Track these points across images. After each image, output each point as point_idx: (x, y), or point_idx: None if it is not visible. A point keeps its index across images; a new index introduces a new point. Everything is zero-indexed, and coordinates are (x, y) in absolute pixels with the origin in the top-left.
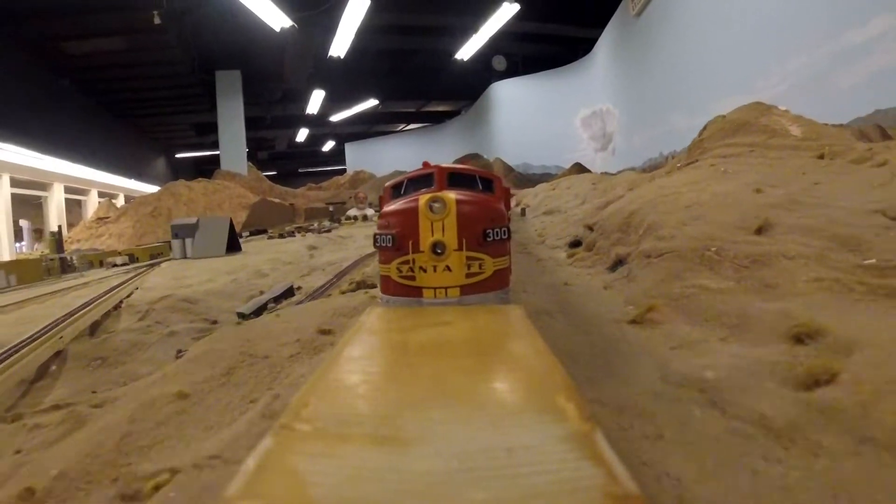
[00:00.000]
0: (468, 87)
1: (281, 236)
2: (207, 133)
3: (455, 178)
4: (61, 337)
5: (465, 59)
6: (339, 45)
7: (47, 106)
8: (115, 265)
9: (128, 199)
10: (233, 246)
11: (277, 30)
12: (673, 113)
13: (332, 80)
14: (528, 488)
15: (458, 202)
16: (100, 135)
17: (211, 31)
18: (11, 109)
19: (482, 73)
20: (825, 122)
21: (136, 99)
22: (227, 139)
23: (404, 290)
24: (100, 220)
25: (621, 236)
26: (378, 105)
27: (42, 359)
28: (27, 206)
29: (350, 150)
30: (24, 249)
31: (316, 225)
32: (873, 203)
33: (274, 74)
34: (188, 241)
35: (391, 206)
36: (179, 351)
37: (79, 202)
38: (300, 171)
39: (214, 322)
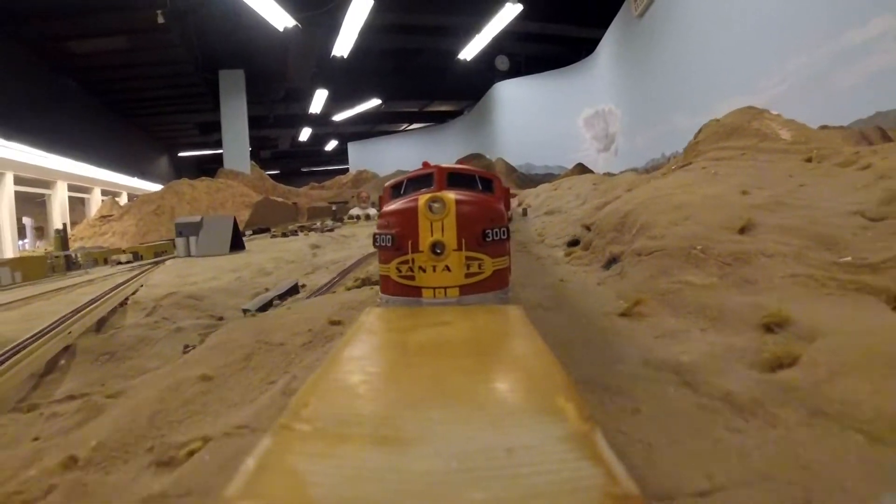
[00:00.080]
0: (471, 87)
1: (284, 235)
2: (210, 132)
3: (455, 178)
4: (70, 332)
5: (469, 59)
6: (343, 45)
7: (51, 105)
8: (119, 263)
9: (131, 197)
10: (236, 244)
11: (281, 29)
12: (675, 113)
13: (335, 79)
14: (527, 488)
15: (458, 202)
16: (103, 133)
17: (214, 31)
18: (16, 108)
19: (485, 73)
20: (826, 123)
21: (139, 98)
22: (231, 138)
23: (404, 289)
24: (103, 218)
25: (616, 235)
26: (381, 105)
27: (51, 353)
28: (31, 204)
29: (353, 149)
30: (27, 247)
31: (319, 224)
32: (854, 204)
33: (277, 74)
34: (192, 239)
35: (391, 206)
36: (186, 346)
37: (82, 200)
38: (303, 170)
39: (220, 318)
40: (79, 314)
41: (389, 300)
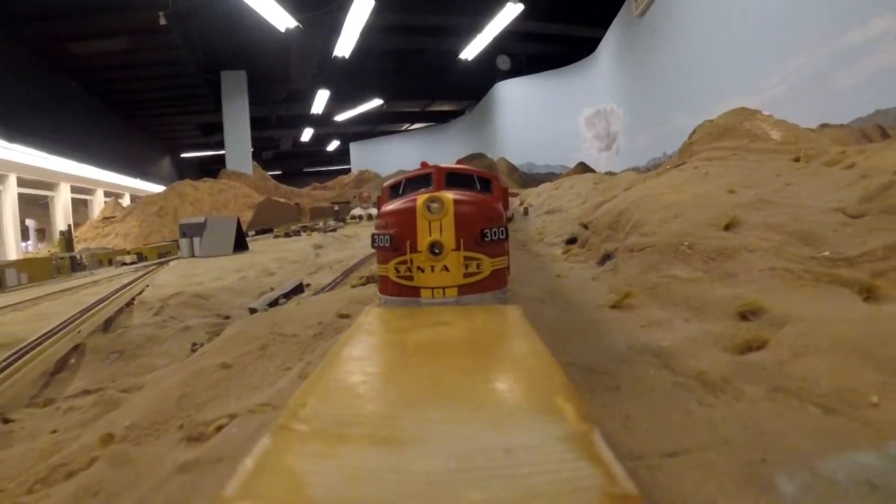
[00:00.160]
0: (472, 87)
1: (287, 235)
2: (213, 133)
3: (453, 178)
4: (79, 331)
5: (470, 58)
6: (344, 45)
7: (54, 106)
8: (124, 263)
9: (134, 198)
10: (240, 245)
11: (282, 30)
12: (676, 112)
13: (336, 79)
14: (526, 488)
15: (456, 202)
16: (106, 135)
17: (216, 32)
18: (19, 110)
19: (486, 73)
20: (827, 122)
21: (141, 99)
22: (233, 139)
23: (402, 290)
24: (106, 219)
25: (611, 233)
26: (382, 105)
27: (62, 352)
28: (34, 205)
29: (355, 149)
30: (29, 248)
31: (321, 224)
32: (836, 202)
33: (279, 74)
34: (196, 240)
35: (389, 207)
36: (194, 344)
37: (85, 202)
38: (305, 170)
39: (227, 317)
40: (87, 314)
41: (388, 300)
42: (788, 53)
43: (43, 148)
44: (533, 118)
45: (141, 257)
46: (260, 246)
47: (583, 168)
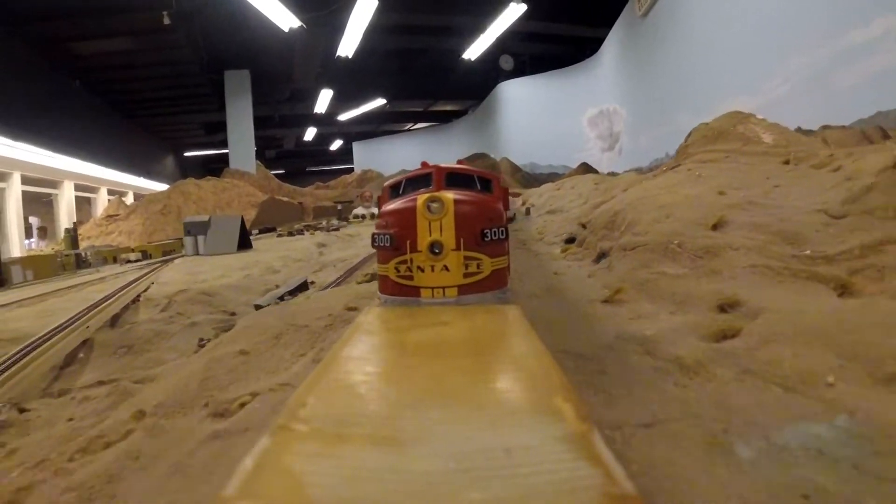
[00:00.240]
0: (475, 87)
1: (290, 234)
2: (216, 132)
3: (453, 178)
4: (88, 326)
5: (473, 58)
6: (347, 45)
7: (58, 105)
8: (129, 261)
9: (137, 196)
10: (244, 243)
11: (286, 30)
12: (679, 113)
13: (339, 79)
14: (525, 488)
15: (456, 202)
16: (109, 133)
17: (219, 32)
18: (23, 109)
19: (489, 73)
20: (828, 123)
21: (145, 98)
22: (236, 138)
23: (402, 289)
24: (109, 217)
25: (607, 233)
26: (385, 104)
27: (71, 346)
28: (37, 203)
29: (357, 149)
30: (33, 246)
31: (324, 223)
32: (820, 204)
33: (282, 74)
34: (200, 238)
35: (389, 206)
36: (202, 339)
37: (88, 200)
38: (308, 169)
39: (233, 314)
40: (94, 310)
41: (388, 300)
42: (790, 54)
43: (47, 146)
44: (536, 118)
45: (145, 255)
46: (264, 244)
47: (585, 168)
